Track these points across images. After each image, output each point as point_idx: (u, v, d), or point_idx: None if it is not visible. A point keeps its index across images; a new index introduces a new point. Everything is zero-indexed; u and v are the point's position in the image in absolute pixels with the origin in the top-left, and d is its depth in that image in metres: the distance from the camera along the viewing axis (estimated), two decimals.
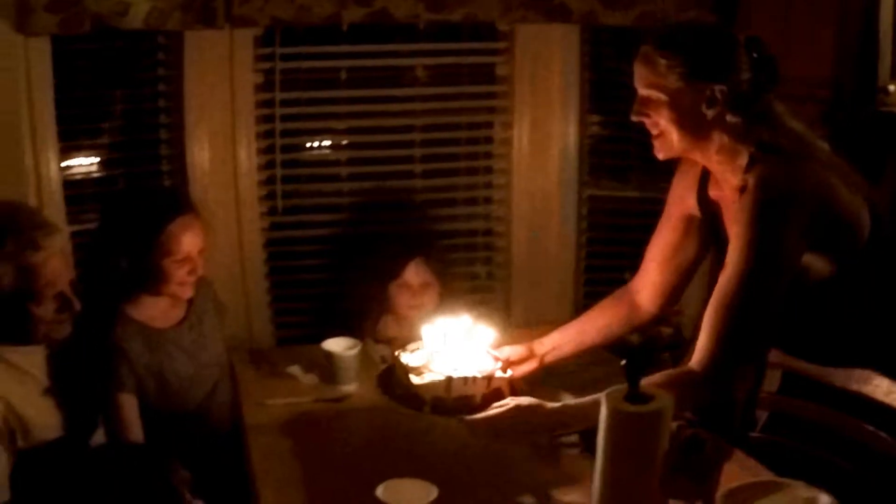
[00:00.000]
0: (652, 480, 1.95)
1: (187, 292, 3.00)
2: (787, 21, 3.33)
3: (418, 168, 3.97)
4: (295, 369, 3.09)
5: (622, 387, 1.96)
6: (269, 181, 3.86)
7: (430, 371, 2.50)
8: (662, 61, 2.30)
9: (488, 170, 4.03)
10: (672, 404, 1.96)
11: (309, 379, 3.04)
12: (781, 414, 2.54)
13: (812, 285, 2.31)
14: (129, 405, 2.84)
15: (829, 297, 2.35)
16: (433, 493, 2.19)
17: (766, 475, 2.30)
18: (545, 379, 2.77)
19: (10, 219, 2.55)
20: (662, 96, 2.32)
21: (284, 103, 3.77)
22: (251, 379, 3.11)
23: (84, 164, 3.71)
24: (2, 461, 2.51)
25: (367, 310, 3.50)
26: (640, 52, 2.36)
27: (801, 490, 2.09)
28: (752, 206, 2.24)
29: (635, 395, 1.96)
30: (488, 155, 4.02)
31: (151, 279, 2.93)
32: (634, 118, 2.39)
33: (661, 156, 2.42)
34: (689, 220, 2.62)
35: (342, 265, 3.93)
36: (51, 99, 3.43)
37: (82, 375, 2.75)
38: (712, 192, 2.49)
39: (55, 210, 3.48)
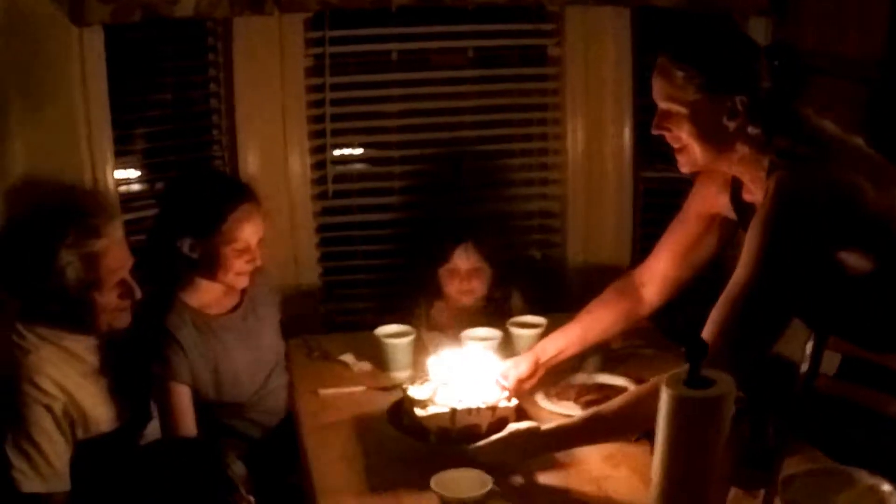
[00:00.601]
0: (714, 468, 1.90)
1: (243, 283, 2.96)
2: (838, 1, 3.24)
3: (470, 150, 3.92)
4: (348, 357, 3.08)
5: (681, 371, 1.91)
6: (320, 166, 3.83)
7: (435, 404, 2.50)
8: (679, 73, 2.25)
9: (543, 151, 3.98)
10: (734, 387, 1.91)
11: (362, 367, 3.04)
12: (838, 398, 2.47)
13: (854, 279, 2.25)
14: (183, 395, 2.81)
15: (874, 290, 2.28)
16: (488, 483, 2.16)
17: (825, 461, 2.27)
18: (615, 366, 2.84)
19: (70, 207, 2.56)
20: (682, 109, 2.27)
21: (335, 87, 3.74)
22: (304, 367, 3.11)
23: (136, 150, 3.72)
24: (63, 451, 2.53)
25: (420, 296, 3.48)
26: (656, 64, 2.31)
27: (864, 477, 2.03)
28: (763, 212, 2.20)
29: (696, 380, 1.91)
30: (543, 136, 3.96)
31: (209, 266, 2.89)
32: (655, 132, 2.35)
33: (685, 170, 2.37)
34: (713, 217, 2.58)
35: (394, 250, 3.93)
36: (104, 89, 3.42)
37: (137, 365, 2.76)
38: (747, 196, 2.43)
39: (109, 199, 3.41)
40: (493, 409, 2.47)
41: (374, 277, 3.97)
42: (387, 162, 3.97)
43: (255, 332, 3.02)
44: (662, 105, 2.31)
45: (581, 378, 2.86)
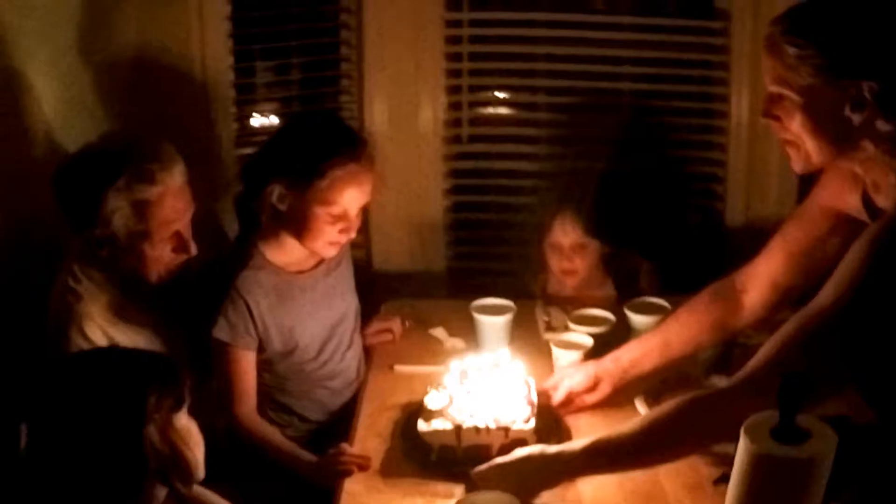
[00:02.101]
0: None
1: (331, 253, 2.57)
2: None
3: (625, 103, 3.57)
4: (439, 332, 2.83)
5: (766, 417, 1.56)
6: (455, 107, 3.58)
7: (444, 416, 2.20)
8: (792, 50, 1.79)
9: (704, 112, 3.56)
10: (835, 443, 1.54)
11: (455, 344, 2.76)
12: None
13: None
14: (246, 362, 2.51)
15: None
16: None
17: None
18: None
19: (127, 150, 2.33)
20: (794, 96, 1.82)
21: (475, 23, 3.47)
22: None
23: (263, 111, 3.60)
24: None
25: (534, 267, 3.18)
26: (766, 36, 1.86)
27: None
28: (877, 229, 1.78)
29: (788, 431, 1.54)
30: (705, 96, 3.55)
31: (296, 225, 2.48)
32: (763, 119, 1.91)
33: (797, 168, 1.92)
34: (840, 216, 2.08)
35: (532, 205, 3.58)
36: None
37: (198, 324, 2.52)
38: (880, 201, 1.94)
39: (230, 165, 3.37)
40: (506, 430, 2.16)
41: (506, 235, 3.64)
42: (531, 108, 3.65)
43: (336, 291, 2.69)
44: (772, 88, 1.87)
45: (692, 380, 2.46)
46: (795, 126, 1.85)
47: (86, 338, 2.30)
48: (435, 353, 2.67)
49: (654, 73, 3.51)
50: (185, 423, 1.81)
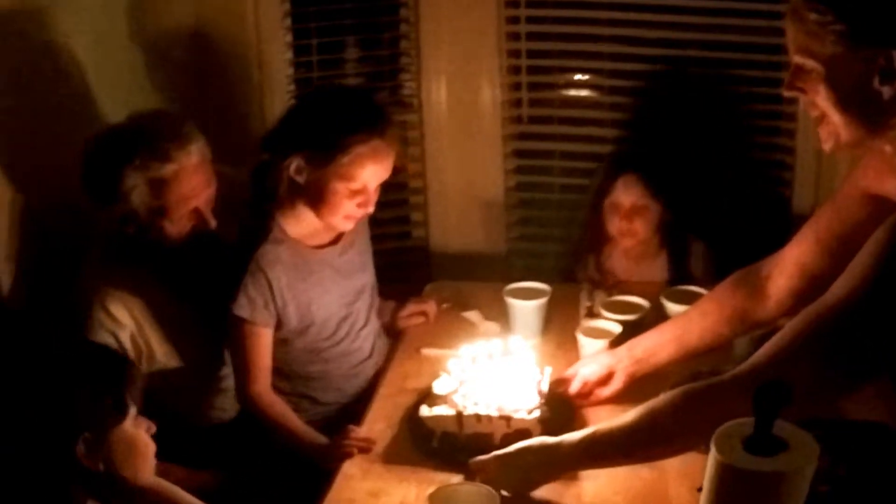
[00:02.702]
0: None
1: (347, 227, 2.55)
2: None
3: (692, 88, 3.47)
4: (473, 315, 2.80)
5: (739, 424, 1.48)
6: (516, 88, 3.55)
7: (448, 402, 2.17)
8: (812, 16, 1.68)
9: (772, 98, 3.41)
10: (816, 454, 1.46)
11: (489, 328, 2.72)
12: None
13: None
14: (263, 338, 2.49)
15: None
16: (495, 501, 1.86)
17: None
18: None
19: (144, 129, 2.38)
20: (817, 66, 1.70)
21: (531, 4, 3.43)
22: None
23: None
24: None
25: (587, 240, 3.15)
26: (790, 2, 1.75)
27: None
28: (892, 222, 1.64)
29: (762, 442, 1.47)
30: (774, 81, 3.37)
31: (314, 198, 2.45)
32: (786, 93, 1.80)
33: (826, 147, 1.80)
34: (878, 201, 1.93)
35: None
36: None
37: (218, 299, 2.51)
38: None
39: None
40: (508, 419, 2.12)
41: (568, 216, 3.56)
42: (593, 89, 3.60)
43: (354, 267, 2.67)
44: (796, 59, 1.75)
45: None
46: (821, 100, 1.73)
47: (109, 314, 2.38)
48: (467, 337, 2.58)
49: (721, 57, 3.41)
50: (127, 434, 1.68)
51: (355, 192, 2.43)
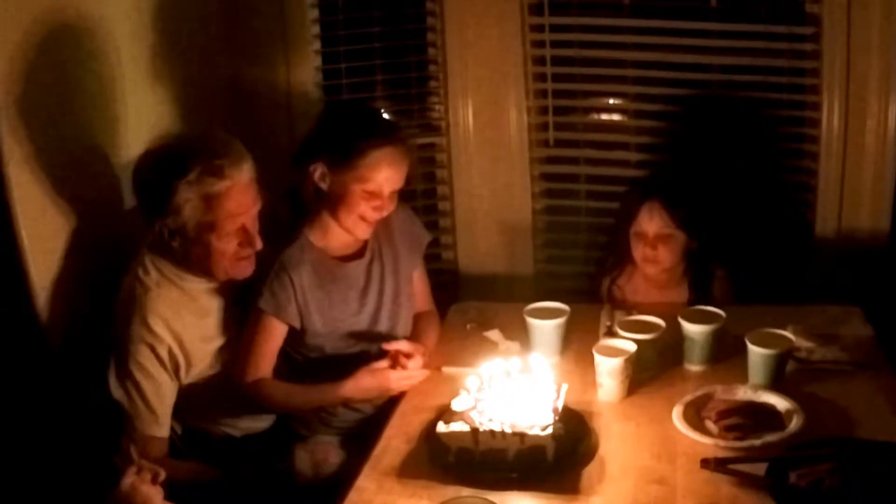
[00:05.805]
0: None
1: (364, 232, 2.69)
2: None
3: (715, 110, 3.51)
4: (494, 334, 2.86)
5: None
6: (542, 112, 3.61)
7: (464, 419, 2.23)
8: None
9: (795, 120, 3.47)
10: None
11: (510, 347, 2.78)
12: None
13: None
14: (275, 331, 2.62)
15: None
16: None
17: None
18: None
19: (198, 146, 2.47)
20: None
21: (555, 28, 3.47)
22: (447, 339, 2.90)
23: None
24: (165, 394, 2.52)
25: (611, 262, 3.20)
26: None
27: None
28: None
29: None
30: (796, 104, 3.45)
31: (335, 201, 2.63)
32: None
33: None
34: None
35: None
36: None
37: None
38: None
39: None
40: (522, 435, 2.16)
41: (595, 240, 3.66)
42: (618, 113, 3.66)
43: (381, 279, 2.77)
44: None
45: (739, 393, 2.43)
46: None
47: (149, 329, 2.46)
48: (488, 355, 2.61)
49: (744, 80, 3.44)
50: (126, 491, 1.77)
51: (370, 194, 2.61)
